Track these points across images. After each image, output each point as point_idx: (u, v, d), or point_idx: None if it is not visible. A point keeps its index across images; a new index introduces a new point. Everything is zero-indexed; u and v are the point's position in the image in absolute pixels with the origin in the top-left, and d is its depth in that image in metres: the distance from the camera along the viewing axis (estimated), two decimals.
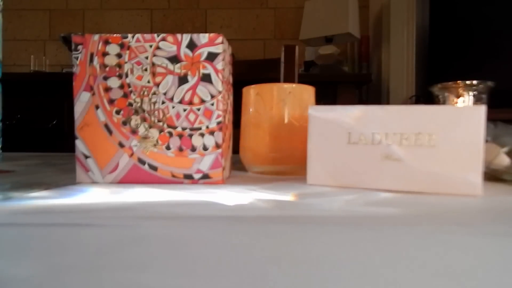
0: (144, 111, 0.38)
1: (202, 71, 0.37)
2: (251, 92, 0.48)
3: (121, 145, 0.38)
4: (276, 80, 1.03)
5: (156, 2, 2.15)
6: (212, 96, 0.38)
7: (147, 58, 0.38)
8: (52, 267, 0.15)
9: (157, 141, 0.38)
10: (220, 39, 0.37)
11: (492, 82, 0.51)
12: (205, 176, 0.38)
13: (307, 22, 1.83)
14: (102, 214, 0.25)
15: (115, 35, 0.38)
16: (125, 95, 0.38)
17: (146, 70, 0.38)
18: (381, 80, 1.91)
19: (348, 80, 1.72)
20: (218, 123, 0.38)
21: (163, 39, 0.37)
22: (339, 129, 0.36)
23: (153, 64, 0.38)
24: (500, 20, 1.69)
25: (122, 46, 0.38)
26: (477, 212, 0.27)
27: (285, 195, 0.32)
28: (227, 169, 0.43)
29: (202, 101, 0.38)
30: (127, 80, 0.38)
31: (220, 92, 0.38)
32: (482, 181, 0.32)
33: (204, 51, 0.37)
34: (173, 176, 0.38)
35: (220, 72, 0.37)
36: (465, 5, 1.75)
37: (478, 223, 0.24)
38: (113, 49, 0.38)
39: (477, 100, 0.52)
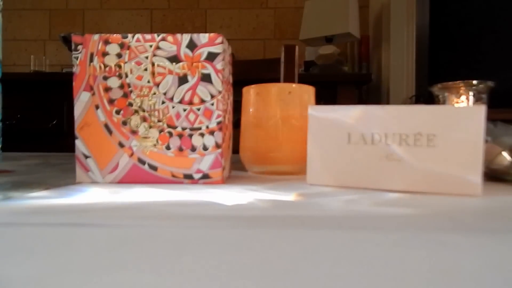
0: (144, 111, 0.38)
1: (202, 71, 0.37)
2: (251, 92, 0.48)
3: (121, 145, 0.38)
4: (276, 80, 1.03)
5: (156, 2, 2.15)
6: (212, 96, 0.38)
7: (147, 58, 0.38)
8: (52, 267, 0.15)
9: (157, 141, 0.38)
10: (220, 39, 0.37)
11: (492, 82, 0.51)
12: (205, 176, 0.38)
13: (307, 22, 1.83)
14: (102, 214, 0.25)
15: (115, 35, 0.38)
16: (125, 95, 0.38)
17: (146, 70, 0.38)
18: (381, 80, 1.91)
19: (348, 80, 1.72)
20: (218, 123, 0.38)
21: (163, 39, 0.37)
22: (339, 129, 0.36)
23: (153, 64, 0.38)
24: (500, 20, 1.69)
25: (122, 46, 0.38)
26: (477, 212, 0.27)
27: (285, 195, 0.32)
28: (227, 169, 0.43)
29: (202, 101, 0.38)
30: (127, 80, 0.38)
31: (220, 92, 0.38)
32: (482, 181, 0.32)
33: (204, 51, 0.37)
34: (173, 176, 0.38)
35: (220, 72, 0.37)
36: (465, 5, 1.75)
37: (478, 223, 0.24)
38: (113, 49, 0.38)
39: (477, 100, 0.52)
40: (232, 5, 2.13)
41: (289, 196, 0.32)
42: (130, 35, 0.38)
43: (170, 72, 0.38)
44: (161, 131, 0.38)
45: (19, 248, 0.18)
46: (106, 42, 0.38)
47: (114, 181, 0.38)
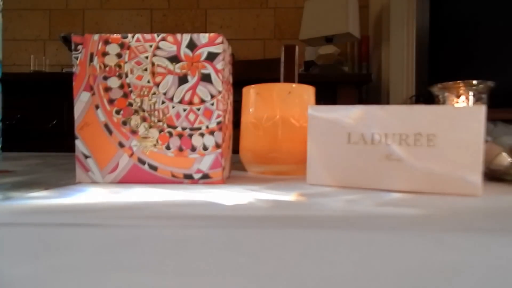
0: (144, 111, 0.38)
1: (202, 71, 0.37)
2: (251, 92, 0.48)
3: (121, 145, 0.38)
4: (276, 80, 1.03)
5: (156, 2, 2.15)
6: (212, 96, 0.38)
7: (147, 58, 0.38)
8: (52, 267, 0.15)
9: (157, 141, 0.38)
10: (220, 39, 0.37)
11: (492, 82, 0.51)
12: (205, 176, 0.38)
13: (307, 22, 1.83)
14: (102, 214, 0.25)
15: (115, 35, 0.38)
16: (125, 95, 0.38)
17: (146, 70, 0.38)
18: (381, 80, 1.91)
19: (348, 80, 1.72)
20: (218, 123, 0.38)
21: (163, 39, 0.37)
22: (339, 129, 0.36)
23: (153, 64, 0.38)
24: (500, 20, 1.69)
25: (122, 46, 0.38)
26: (477, 212, 0.27)
27: (285, 195, 0.32)
28: (227, 169, 0.43)
29: (202, 101, 0.38)
30: (127, 80, 0.38)
31: (220, 92, 0.38)
32: (482, 181, 0.32)
33: (204, 51, 0.37)
34: (173, 176, 0.38)
35: (220, 72, 0.37)
36: (465, 5, 1.75)
37: (478, 223, 0.24)
38: (113, 49, 0.38)
39: (477, 100, 0.52)
40: (232, 5, 2.13)
41: (289, 196, 0.32)
42: (130, 35, 0.38)
43: (170, 72, 0.38)
44: (161, 131, 0.38)
45: (19, 248, 0.18)
46: (106, 42, 0.38)
47: (114, 181, 0.38)
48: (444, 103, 0.54)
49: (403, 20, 1.80)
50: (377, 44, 1.97)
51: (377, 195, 0.32)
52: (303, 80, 0.78)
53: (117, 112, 0.38)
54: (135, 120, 0.38)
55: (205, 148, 0.38)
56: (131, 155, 0.38)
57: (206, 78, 0.37)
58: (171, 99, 0.38)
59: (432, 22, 1.81)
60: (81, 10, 2.17)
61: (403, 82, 1.81)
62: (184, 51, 0.37)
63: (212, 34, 0.37)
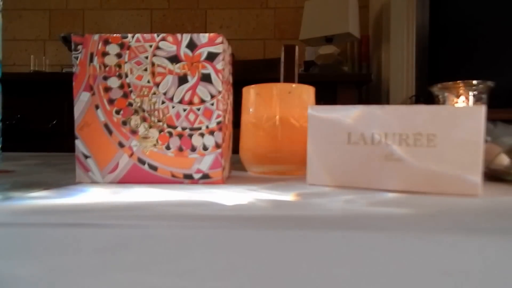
0: (144, 111, 0.38)
1: (202, 71, 0.37)
2: (251, 92, 0.48)
3: (121, 145, 0.38)
4: (276, 80, 1.03)
5: (156, 2, 2.15)
6: (212, 96, 0.38)
7: (147, 58, 0.38)
8: (52, 267, 0.15)
9: (157, 141, 0.38)
10: (220, 39, 0.37)
11: (492, 82, 0.51)
12: (205, 176, 0.38)
13: (307, 22, 1.83)
14: (102, 214, 0.25)
15: (115, 35, 0.38)
16: (125, 95, 0.38)
17: (146, 70, 0.38)
18: (381, 80, 1.91)
19: (348, 80, 1.72)
20: (218, 123, 0.38)
21: (163, 39, 0.37)
22: (339, 129, 0.36)
23: (153, 64, 0.38)
24: (500, 20, 1.69)
25: (122, 46, 0.38)
26: (477, 212, 0.27)
27: (285, 195, 0.32)
28: (227, 169, 0.43)
29: (202, 101, 0.38)
30: (127, 80, 0.38)
31: (220, 92, 0.38)
32: (482, 181, 0.32)
33: (204, 51, 0.37)
34: (173, 176, 0.38)
35: (220, 72, 0.37)
36: (465, 5, 1.75)
37: (478, 223, 0.24)
38: (113, 49, 0.38)
39: (477, 100, 0.52)
40: (232, 5, 2.13)
41: (289, 196, 0.32)
42: (130, 35, 0.38)
43: (170, 72, 0.38)
44: (161, 131, 0.38)
45: (19, 248, 0.18)
46: (106, 42, 0.38)
47: (114, 181, 0.38)
48: (444, 103, 0.54)
49: (403, 20, 1.80)
50: (377, 44, 1.97)
51: (377, 195, 0.32)
52: (303, 80, 0.78)
53: (117, 112, 0.38)
54: (135, 120, 0.38)
55: (205, 148, 0.38)
56: (131, 155, 0.38)
57: (206, 78, 0.37)
58: (171, 99, 0.38)
59: (432, 22, 1.81)
60: (81, 10, 2.17)
61: (403, 82, 1.81)
62: (184, 51, 0.37)
63: (212, 34, 0.37)
